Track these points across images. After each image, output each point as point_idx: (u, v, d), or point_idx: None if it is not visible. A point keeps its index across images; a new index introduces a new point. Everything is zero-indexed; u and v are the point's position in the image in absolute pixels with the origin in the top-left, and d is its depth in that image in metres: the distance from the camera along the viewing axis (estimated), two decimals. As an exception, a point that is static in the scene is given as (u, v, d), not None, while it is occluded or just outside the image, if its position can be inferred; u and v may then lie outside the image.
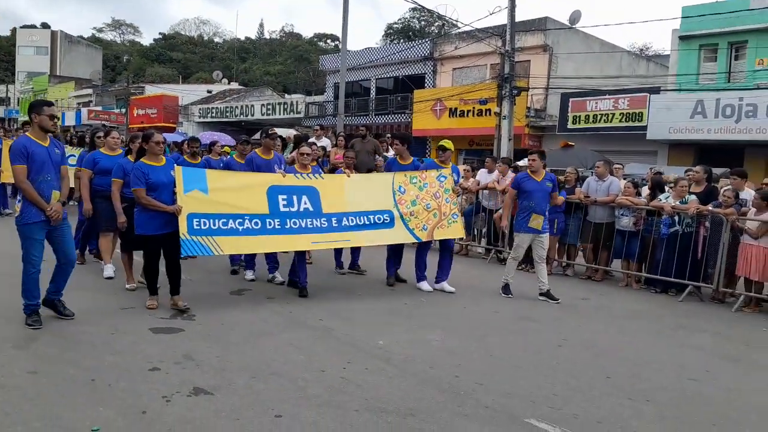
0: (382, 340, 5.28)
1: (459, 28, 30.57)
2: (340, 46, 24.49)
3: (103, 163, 7.04)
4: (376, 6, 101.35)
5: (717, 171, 11.92)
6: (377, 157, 10.87)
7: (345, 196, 6.96)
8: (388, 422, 3.61)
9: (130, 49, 74.88)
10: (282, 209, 6.46)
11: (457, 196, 7.89)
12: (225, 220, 6.07)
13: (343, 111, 22.20)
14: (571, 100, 21.56)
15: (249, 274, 7.40)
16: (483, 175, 10.77)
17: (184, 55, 67.86)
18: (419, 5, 27.71)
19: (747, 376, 5.02)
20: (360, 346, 5.11)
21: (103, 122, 32.88)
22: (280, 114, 33.16)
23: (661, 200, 8.32)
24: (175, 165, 6.03)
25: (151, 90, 42.55)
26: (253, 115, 34.36)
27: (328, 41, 68.07)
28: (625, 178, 10.00)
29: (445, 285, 7.43)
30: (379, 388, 4.14)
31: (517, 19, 18.58)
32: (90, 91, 49.39)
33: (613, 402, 4.20)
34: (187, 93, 40.65)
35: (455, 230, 7.60)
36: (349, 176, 7.33)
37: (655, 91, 19.96)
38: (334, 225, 6.73)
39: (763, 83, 18.03)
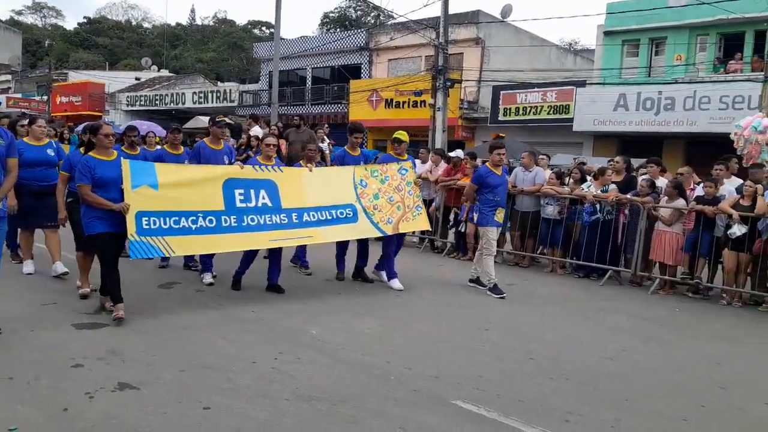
0: (315, 330, 5.32)
1: (394, 18, 30.72)
2: (274, 34, 24.11)
3: (28, 154, 6.29)
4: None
5: (638, 161, 12.56)
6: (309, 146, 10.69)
7: (305, 190, 6.64)
8: (320, 410, 3.67)
9: (52, 34, 70.89)
10: (238, 205, 6.05)
11: (420, 189, 7.70)
12: (177, 218, 5.60)
13: (278, 100, 21.92)
14: (502, 92, 22.11)
15: (207, 278, 6.79)
16: (417, 166, 10.93)
17: (111, 40, 64.94)
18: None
19: (659, 354, 5.36)
20: (292, 336, 5.13)
21: (23, 110, 31.12)
22: (212, 102, 32.36)
23: (583, 189, 8.70)
24: (122, 159, 5.48)
25: (76, 77, 40.55)
26: (184, 104, 33.39)
27: (263, 28, 66.74)
28: (552, 169, 10.38)
29: (383, 274, 7.48)
30: (310, 377, 4.19)
31: (451, 11, 18.85)
32: (9, 77, 46.59)
33: (534, 382, 4.40)
34: (114, 80, 39.03)
35: (420, 222, 7.48)
36: (310, 170, 6.95)
37: (581, 84, 20.74)
38: (294, 221, 6.40)
39: (680, 78, 19.05)
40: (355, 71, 28.10)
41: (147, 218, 5.40)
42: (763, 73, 15.00)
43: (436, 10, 19.95)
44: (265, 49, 31.72)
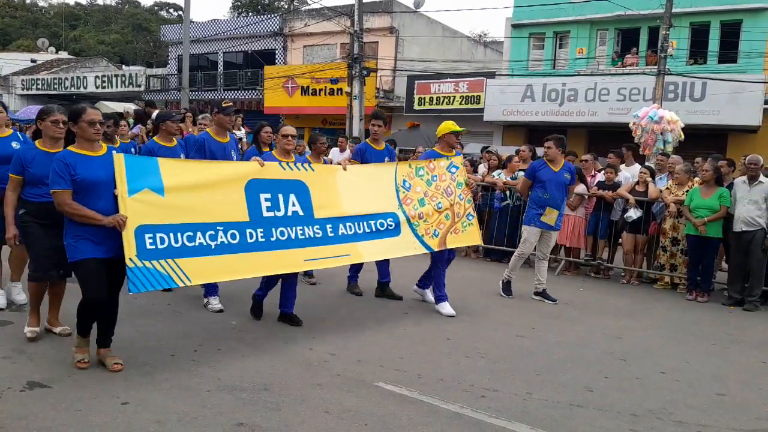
0: (235, 321, 5.26)
1: (309, 4, 30.35)
2: (183, 16, 23.20)
3: None
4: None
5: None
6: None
7: (339, 194, 5.32)
8: (242, 398, 3.66)
9: (-70, 9, 64.70)
10: (265, 214, 4.71)
11: (471, 192, 6.37)
12: (191, 233, 4.21)
13: (188, 85, 21.17)
14: (416, 82, 22.45)
15: (215, 303, 5.52)
16: (335, 154, 10.98)
17: (2, 19, 60.11)
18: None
19: (566, 331, 5.72)
20: (211, 328, 5.06)
21: None
22: (117, 87, 30.77)
23: (494, 176, 9.06)
24: (114, 152, 4.14)
25: (-40, 57, 37.30)
26: (86, 88, 31.51)
27: (170, 11, 63.97)
28: (465, 157, 10.72)
29: (428, 293, 6.32)
30: (231, 368, 4.16)
31: (365, 0, 18.89)
32: None
33: (452, 360, 4.60)
34: (7, 63, 36.18)
35: (471, 236, 6.18)
36: (345, 169, 5.51)
37: (491, 75, 21.43)
38: (329, 234, 5.09)
39: (582, 70, 20.10)
40: (269, 57, 27.58)
41: (151, 234, 3.99)
42: (656, 66, 16.09)
43: (350, -2, 19.92)
44: (174, 31, 30.48)
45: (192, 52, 23.30)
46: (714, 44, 18.65)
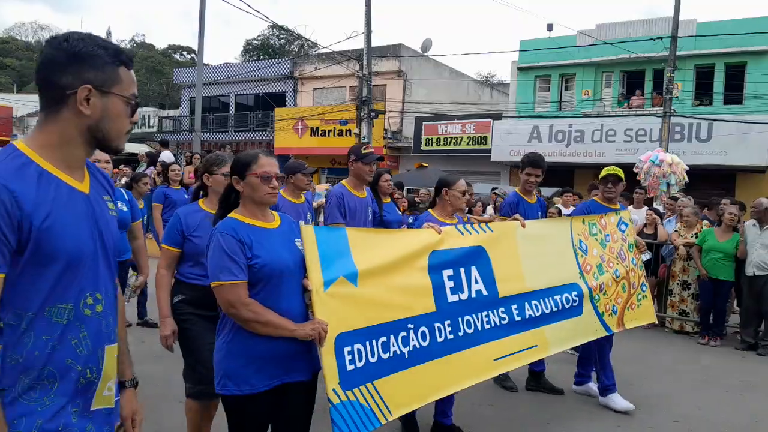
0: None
1: (318, 49, 31.07)
2: (196, 59, 23.79)
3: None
4: (229, 23, 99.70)
5: (552, 190, 13.29)
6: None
7: (521, 261, 4.05)
8: None
9: (-47, 53, 66.69)
10: (450, 299, 3.46)
11: (642, 255, 5.30)
12: (385, 338, 2.99)
13: (200, 126, 21.54)
14: (424, 123, 22.77)
15: None
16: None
17: (20, 62, 61.80)
18: (278, 25, 27.75)
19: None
20: None
21: None
22: (130, 128, 31.30)
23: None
24: (302, 223, 3.20)
25: (-21, 99, 38.24)
26: (99, 129, 32.07)
27: (183, 53, 65.55)
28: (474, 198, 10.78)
29: (592, 387, 5.10)
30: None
31: (373, 44, 19.33)
32: None
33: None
34: (23, 103, 37.03)
35: (646, 312, 4.98)
36: (523, 225, 4.19)
37: (497, 117, 21.72)
38: (516, 319, 3.84)
39: (589, 112, 20.33)
40: (279, 99, 28.10)
41: (350, 348, 2.79)
42: (662, 108, 16.26)
43: (359, 43, 20.41)
44: (186, 74, 31.19)
45: (204, 94, 23.80)
46: (719, 86, 18.87)
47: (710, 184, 16.12)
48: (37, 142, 1.52)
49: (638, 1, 77.96)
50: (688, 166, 11.36)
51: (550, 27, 22.66)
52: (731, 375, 6.03)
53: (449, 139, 22.23)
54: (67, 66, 1.50)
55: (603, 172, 5.13)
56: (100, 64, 1.53)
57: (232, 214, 2.57)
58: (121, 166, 10.81)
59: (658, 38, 16.45)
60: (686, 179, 11.25)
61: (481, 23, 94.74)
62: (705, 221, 7.94)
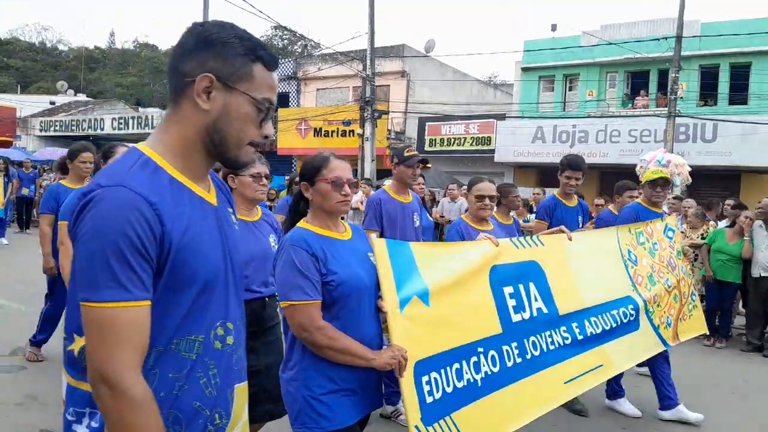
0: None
1: (321, 49, 31.08)
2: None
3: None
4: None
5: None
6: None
7: (575, 275, 3.72)
8: None
9: (-44, 54, 66.94)
10: (514, 318, 3.16)
11: (690, 262, 4.74)
12: (458, 364, 2.72)
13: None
14: (427, 124, 22.74)
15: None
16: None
17: (23, 62, 62.01)
18: (282, 26, 27.76)
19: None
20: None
21: None
22: (133, 128, 31.39)
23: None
24: (372, 235, 3.11)
25: (-18, 100, 38.37)
26: (103, 129, 32.19)
27: (187, 54, 65.74)
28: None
29: (624, 404, 4.87)
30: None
31: (377, 45, 19.33)
32: None
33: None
34: (27, 104, 37.17)
35: (698, 322, 4.70)
36: (570, 238, 3.79)
37: (501, 117, 21.68)
38: (578, 338, 3.51)
39: (593, 112, 20.29)
40: (283, 99, 28.11)
41: (427, 377, 2.52)
42: (666, 108, 16.21)
43: (362, 43, 20.41)
44: (190, 75, 31.22)
45: (207, 95, 23.83)
46: (724, 86, 18.81)
47: (715, 184, 16.06)
48: (161, 145, 1.33)
49: (643, 2, 77.87)
50: (692, 166, 11.30)
51: (554, 27, 22.65)
52: (737, 377, 6.00)
53: (453, 140, 22.20)
54: (194, 51, 1.30)
55: (651, 174, 4.84)
56: (230, 55, 1.30)
57: (302, 224, 2.32)
58: None
59: (663, 38, 16.41)
60: (690, 180, 11.19)
61: (484, 24, 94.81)
62: (712, 222, 7.89)
